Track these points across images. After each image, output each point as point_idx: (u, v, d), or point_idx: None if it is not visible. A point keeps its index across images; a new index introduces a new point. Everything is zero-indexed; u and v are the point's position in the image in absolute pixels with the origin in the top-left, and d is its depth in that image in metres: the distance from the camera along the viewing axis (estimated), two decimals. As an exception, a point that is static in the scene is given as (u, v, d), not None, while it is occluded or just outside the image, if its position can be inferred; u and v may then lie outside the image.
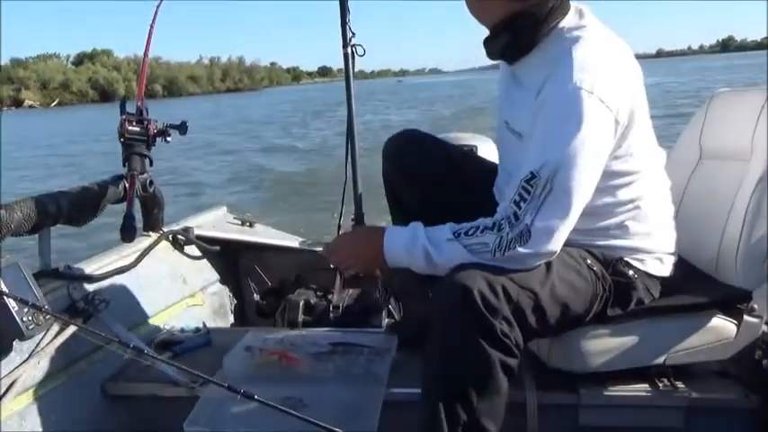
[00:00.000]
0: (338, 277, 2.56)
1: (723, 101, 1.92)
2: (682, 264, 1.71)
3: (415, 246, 1.48)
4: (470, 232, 1.43)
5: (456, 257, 1.43)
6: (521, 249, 1.39)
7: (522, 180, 1.39)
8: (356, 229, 1.63)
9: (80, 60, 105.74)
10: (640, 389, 1.67)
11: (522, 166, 1.43)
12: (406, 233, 1.52)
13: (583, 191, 1.41)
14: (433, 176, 1.83)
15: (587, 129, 1.38)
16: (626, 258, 1.59)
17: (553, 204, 1.38)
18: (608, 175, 1.48)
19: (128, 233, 1.94)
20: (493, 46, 1.59)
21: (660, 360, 1.64)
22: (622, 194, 1.54)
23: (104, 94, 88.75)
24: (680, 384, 1.67)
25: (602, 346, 1.61)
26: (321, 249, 1.75)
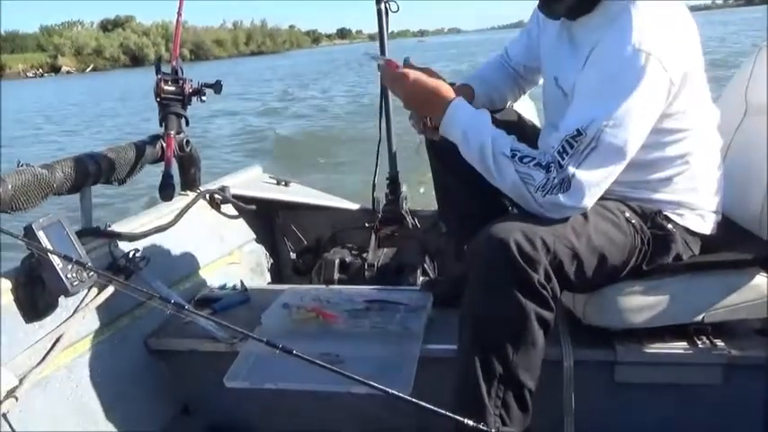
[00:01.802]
0: (373, 236, 2.57)
1: None
2: (724, 221, 1.67)
3: (476, 137, 1.46)
4: (525, 160, 1.42)
5: (506, 175, 1.43)
6: (559, 196, 1.39)
7: (568, 135, 1.39)
8: (431, 79, 1.56)
9: (104, 27, 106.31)
10: (678, 346, 1.65)
11: (567, 120, 1.42)
12: (472, 120, 1.49)
13: (627, 150, 1.40)
14: None
15: (642, 90, 1.36)
16: (665, 212, 1.57)
17: (596, 159, 1.38)
18: (658, 131, 1.47)
19: (166, 192, 1.96)
20: (559, 5, 1.56)
21: (699, 317, 1.62)
22: (671, 150, 1.53)
23: (135, 59, 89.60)
24: (719, 342, 1.65)
25: (640, 302, 1.59)
26: (378, 62, 1.64)
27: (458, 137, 1.50)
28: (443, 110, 1.51)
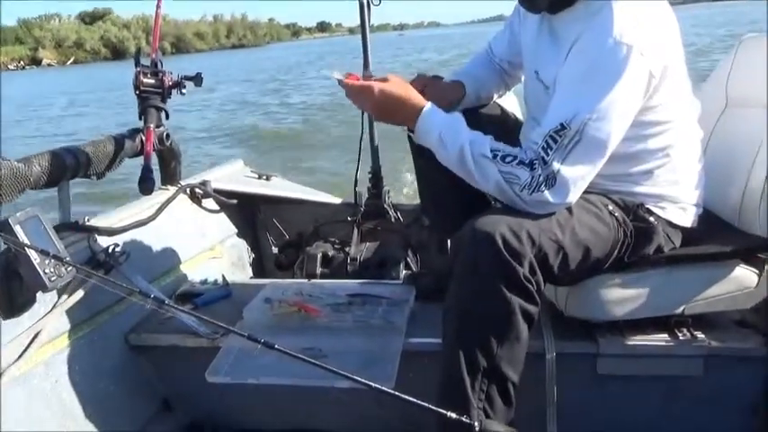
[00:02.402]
0: (356, 230, 2.56)
1: (751, 46, 1.87)
2: (705, 214, 1.68)
3: (453, 141, 1.44)
4: (508, 159, 1.41)
5: (489, 176, 1.42)
6: (545, 193, 1.39)
7: (551, 130, 1.38)
8: (398, 87, 1.49)
9: (83, 20, 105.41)
10: (659, 338, 1.66)
11: (550, 114, 1.41)
12: (447, 124, 1.47)
13: (610, 143, 1.41)
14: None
15: (624, 82, 1.37)
16: (648, 205, 1.58)
17: (581, 153, 1.38)
18: (639, 124, 1.47)
19: (146, 186, 1.93)
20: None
21: (679, 309, 1.63)
22: (652, 143, 1.53)
23: (116, 52, 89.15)
24: (699, 334, 1.66)
25: (622, 294, 1.60)
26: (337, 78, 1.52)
27: (434, 143, 1.48)
28: (415, 118, 1.48)
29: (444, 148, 1.46)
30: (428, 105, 1.49)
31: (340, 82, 1.52)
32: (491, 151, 1.42)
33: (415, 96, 1.50)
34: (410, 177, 1.80)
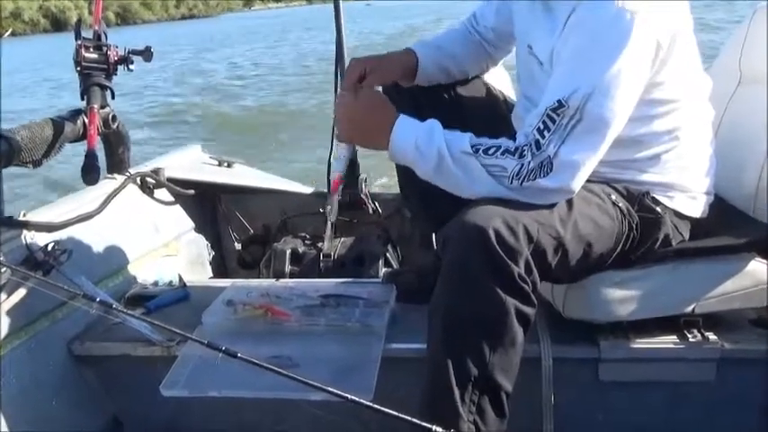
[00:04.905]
0: (328, 223, 2.55)
1: (766, 17, 1.87)
2: (716, 202, 1.69)
3: (430, 145, 1.44)
4: (491, 151, 1.40)
5: (472, 174, 1.41)
6: (540, 181, 1.37)
7: (548, 108, 1.37)
8: (370, 95, 1.57)
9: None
10: (667, 340, 1.67)
11: (548, 91, 1.40)
12: (422, 128, 1.47)
13: (615, 123, 1.39)
14: (438, 103, 1.81)
15: (628, 54, 1.36)
16: (654, 194, 1.57)
17: (581, 136, 1.37)
18: (645, 103, 1.47)
19: (90, 175, 1.91)
20: None
21: (689, 308, 1.63)
22: (659, 125, 1.53)
23: (57, 23, 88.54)
24: (711, 335, 1.67)
25: (625, 293, 1.60)
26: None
27: (411, 154, 1.47)
28: (389, 132, 1.49)
29: (422, 156, 1.46)
30: (399, 119, 1.50)
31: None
32: (472, 146, 1.41)
33: (388, 111, 1.53)
34: (389, 164, 1.77)
